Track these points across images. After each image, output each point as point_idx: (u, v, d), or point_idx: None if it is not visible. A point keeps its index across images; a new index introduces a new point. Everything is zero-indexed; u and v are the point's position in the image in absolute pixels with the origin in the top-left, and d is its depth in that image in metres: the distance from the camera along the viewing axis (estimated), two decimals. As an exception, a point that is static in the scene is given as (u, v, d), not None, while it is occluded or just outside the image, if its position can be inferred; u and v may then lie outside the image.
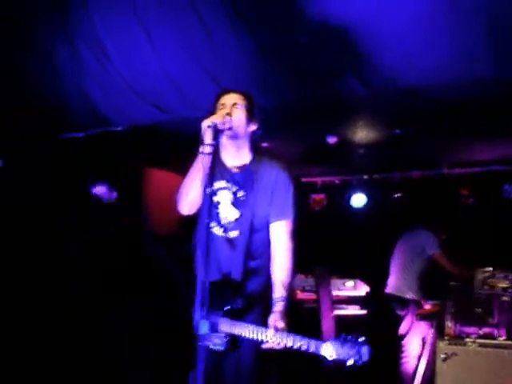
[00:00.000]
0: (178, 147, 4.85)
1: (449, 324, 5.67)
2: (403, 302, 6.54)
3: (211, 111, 3.25)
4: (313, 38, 4.13)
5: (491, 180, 7.24)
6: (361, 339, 2.75)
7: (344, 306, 7.39)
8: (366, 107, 5.30)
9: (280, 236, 3.21)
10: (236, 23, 4.16)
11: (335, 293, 7.32)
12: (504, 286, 5.33)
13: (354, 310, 7.40)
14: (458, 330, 5.61)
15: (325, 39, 4.12)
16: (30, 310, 5.63)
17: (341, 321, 7.13)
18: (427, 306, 6.45)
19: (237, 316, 3.04)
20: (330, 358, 2.73)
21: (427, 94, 4.69)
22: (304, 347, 2.73)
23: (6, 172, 5.73)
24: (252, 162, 3.29)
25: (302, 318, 6.82)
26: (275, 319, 2.97)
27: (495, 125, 5.52)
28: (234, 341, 2.99)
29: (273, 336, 2.81)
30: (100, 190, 5.98)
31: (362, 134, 6.23)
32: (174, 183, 3.47)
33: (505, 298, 5.37)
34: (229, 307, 3.04)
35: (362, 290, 7.47)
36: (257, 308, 3.19)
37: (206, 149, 2.94)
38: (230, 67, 4.45)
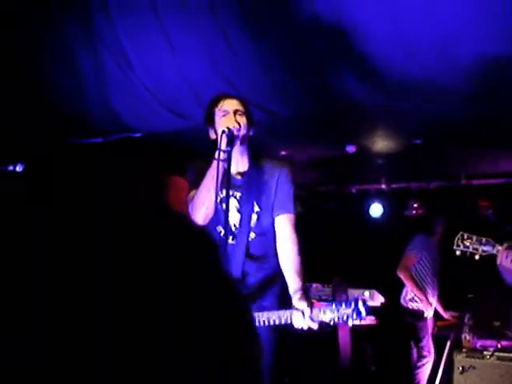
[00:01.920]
0: (197, 154, 4.86)
1: (466, 337, 5.62)
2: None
3: (207, 116, 3.26)
4: (331, 44, 4.13)
5: (511, 191, 7.18)
6: (355, 296, 2.86)
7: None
8: (385, 116, 5.29)
9: (284, 228, 3.24)
10: (255, 31, 4.17)
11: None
12: None
13: (370, 321, 7.36)
14: (475, 342, 5.57)
15: (343, 45, 4.12)
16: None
17: (357, 331, 7.09)
18: (447, 316, 6.39)
19: None
20: (330, 323, 2.91)
21: (446, 103, 4.67)
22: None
23: (26, 176, 5.77)
24: (253, 166, 3.30)
25: (317, 332, 6.80)
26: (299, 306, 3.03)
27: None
28: None
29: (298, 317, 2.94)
30: None
31: (381, 143, 6.21)
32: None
33: None
34: None
35: (379, 300, 7.42)
36: (267, 299, 3.25)
37: (222, 155, 2.97)
38: (249, 75, 4.47)
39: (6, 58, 4.69)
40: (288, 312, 2.99)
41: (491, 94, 4.38)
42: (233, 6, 4.08)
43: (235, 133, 3.04)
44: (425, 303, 6.27)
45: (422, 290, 6.33)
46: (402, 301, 6.54)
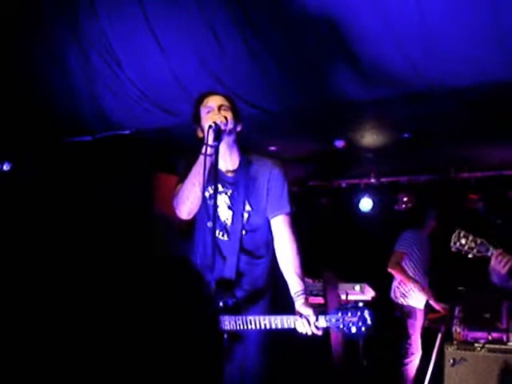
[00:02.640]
0: (187, 151, 4.85)
1: (457, 329, 5.64)
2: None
3: (193, 115, 3.25)
4: (320, 40, 4.13)
5: (500, 184, 7.21)
6: (361, 304, 2.85)
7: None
8: (374, 111, 5.30)
9: (281, 230, 3.21)
10: (244, 28, 4.17)
11: (343, 297, 7.29)
12: None
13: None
14: (466, 334, 5.59)
15: (332, 41, 4.12)
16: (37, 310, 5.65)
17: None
18: (439, 307, 6.41)
19: (233, 311, 3.07)
20: (335, 329, 2.89)
21: (435, 98, 4.69)
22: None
23: (13, 175, 5.75)
24: (243, 162, 3.27)
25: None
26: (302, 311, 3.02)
27: (504, 128, 5.50)
28: (234, 336, 3.04)
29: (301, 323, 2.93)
30: None
31: (370, 138, 6.22)
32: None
33: None
34: (221, 304, 3.05)
35: (370, 294, 7.44)
36: (262, 301, 3.23)
37: (209, 150, 2.95)
38: (238, 71, 4.46)
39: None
40: (291, 318, 2.96)
41: (480, 90, 4.40)
42: (221, 2, 4.07)
43: (222, 127, 3.02)
44: (425, 292, 6.30)
45: (408, 284, 6.36)
46: (392, 296, 6.56)
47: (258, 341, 3.10)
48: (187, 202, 3.14)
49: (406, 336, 6.32)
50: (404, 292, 6.45)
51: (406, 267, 6.43)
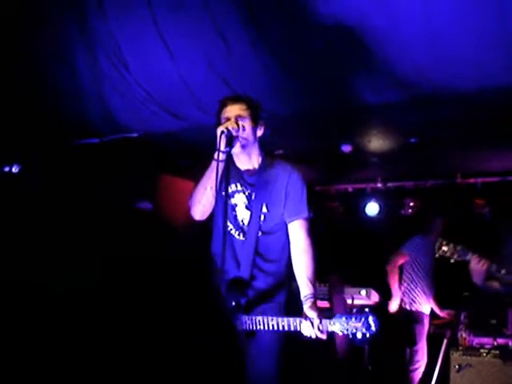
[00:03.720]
0: (195, 155, 4.88)
1: (463, 334, 5.64)
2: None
3: (216, 123, 3.25)
4: (327, 43, 4.14)
5: (507, 189, 7.19)
6: (366, 310, 2.86)
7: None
8: (381, 116, 5.30)
9: (298, 235, 3.24)
10: (252, 32, 4.18)
11: (349, 301, 7.29)
12: None
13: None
14: (472, 340, 5.58)
15: (339, 44, 4.13)
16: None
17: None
18: (442, 315, 6.40)
19: (244, 310, 3.13)
20: (339, 333, 2.91)
21: (441, 102, 4.69)
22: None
23: (22, 177, 5.77)
24: (263, 164, 3.32)
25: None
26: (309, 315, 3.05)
27: (510, 132, 5.50)
28: (245, 335, 3.10)
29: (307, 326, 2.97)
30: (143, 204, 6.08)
31: (377, 142, 6.22)
32: (186, 190, 3.52)
33: None
34: (234, 303, 3.12)
35: (375, 299, 7.44)
36: (275, 302, 3.26)
37: (220, 156, 3.02)
38: (246, 75, 4.47)
39: (2, 58, 4.70)
40: (297, 320, 3.02)
41: (486, 94, 4.40)
42: (229, 4, 4.09)
43: (234, 133, 3.07)
44: (394, 299, 6.35)
45: (413, 288, 6.37)
46: (400, 302, 6.55)
47: (273, 344, 3.15)
48: (199, 205, 3.25)
49: (413, 342, 6.31)
50: (411, 297, 6.45)
51: (411, 272, 6.43)
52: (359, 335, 2.89)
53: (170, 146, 6.03)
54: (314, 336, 2.99)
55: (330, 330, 2.95)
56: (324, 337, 3.00)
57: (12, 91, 4.99)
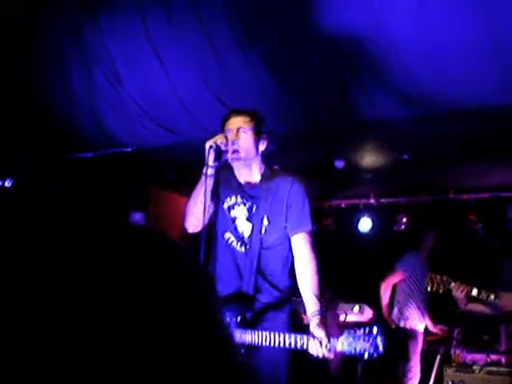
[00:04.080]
0: (187, 169, 4.88)
1: (456, 351, 5.62)
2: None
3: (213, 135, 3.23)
4: (323, 60, 4.16)
5: (498, 206, 7.21)
6: (374, 331, 2.80)
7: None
8: (374, 132, 5.32)
9: (301, 248, 3.18)
10: (245, 47, 4.20)
11: (342, 317, 7.26)
12: None
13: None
14: (465, 356, 5.56)
15: (335, 61, 4.15)
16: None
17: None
18: (436, 330, 6.39)
19: (250, 325, 3.05)
20: (347, 353, 2.85)
21: (435, 120, 4.71)
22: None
23: (15, 191, 5.75)
24: (265, 176, 3.27)
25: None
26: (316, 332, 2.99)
27: (502, 150, 5.53)
28: (249, 350, 3.00)
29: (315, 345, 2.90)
30: (138, 217, 6.05)
31: (370, 158, 6.24)
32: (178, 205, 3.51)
33: None
34: (239, 317, 3.04)
35: (368, 315, 7.41)
36: (281, 316, 3.19)
37: (209, 170, 2.99)
38: (239, 91, 4.49)
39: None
40: (305, 338, 2.93)
41: (479, 113, 4.43)
42: (222, 20, 4.10)
43: (222, 148, 3.02)
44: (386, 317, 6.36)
45: (407, 305, 6.36)
46: (393, 317, 6.54)
47: (279, 360, 3.08)
48: (192, 217, 3.19)
49: (406, 359, 6.28)
50: (407, 314, 6.43)
51: (404, 288, 6.43)
52: (366, 356, 2.84)
53: (163, 160, 6.02)
54: (321, 355, 2.91)
55: (337, 349, 2.89)
56: (331, 356, 2.95)
57: (5, 104, 4.98)
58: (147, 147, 5.42)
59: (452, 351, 5.71)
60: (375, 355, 2.84)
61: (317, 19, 3.93)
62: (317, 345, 2.89)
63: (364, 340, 2.84)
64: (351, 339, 2.85)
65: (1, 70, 4.71)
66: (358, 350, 2.84)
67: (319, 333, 2.94)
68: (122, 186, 6.43)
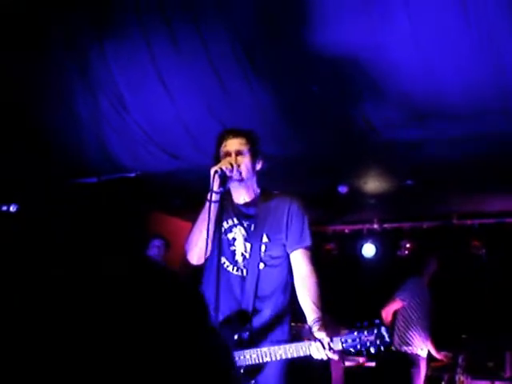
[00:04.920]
0: (191, 195, 4.90)
1: (460, 377, 5.58)
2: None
3: (214, 156, 3.22)
4: (323, 86, 4.19)
5: (503, 231, 7.20)
6: (377, 321, 2.73)
7: (353, 357, 7.29)
8: (377, 157, 5.34)
9: (300, 263, 3.16)
10: (249, 76, 4.24)
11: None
12: None
13: (362, 361, 7.30)
14: (469, 383, 5.52)
15: (336, 87, 4.18)
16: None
17: (350, 372, 7.03)
18: (439, 357, 6.34)
19: (248, 344, 2.99)
20: (352, 350, 2.77)
21: (438, 147, 4.73)
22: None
23: (20, 216, 5.76)
24: (262, 196, 3.26)
25: (311, 369, 6.74)
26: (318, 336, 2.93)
27: (506, 176, 5.53)
28: (250, 371, 2.95)
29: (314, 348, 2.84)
30: (157, 243, 6.02)
31: (373, 184, 6.25)
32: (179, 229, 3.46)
33: None
34: (237, 337, 2.99)
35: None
36: (279, 335, 3.14)
37: (214, 196, 2.96)
38: (242, 116, 4.51)
39: (3, 97, 4.74)
40: (306, 344, 2.86)
41: (483, 140, 4.45)
42: (225, 45, 4.15)
43: (228, 174, 3.00)
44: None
45: (407, 331, 6.33)
46: (395, 343, 6.50)
47: (279, 375, 3.03)
48: (196, 249, 3.15)
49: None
50: (407, 339, 6.39)
51: (405, 315, 6.40)
52: (372, 350, 2.76)
53: (167, 186, 6.05)
54: (325, 357, 2.84)
55: (341, 347, 2.80)
56: (336, 357, 2.87)
57: (10, 130, 5.02)
58: (151, 172, 5.44)
59: (457, 378, 5.67)
60: (382, 347, 2.75)
61: (319, 46, 3.97)
62: (319, 347, 2.83)
63: (368, 333, 2.76)
64: (355, 334, 2.77)
65: (6, 95, 4.75)
66: (363, 344, 2.76)
67: (320, 334, 2.89)
68: (126, 211, 6.45)
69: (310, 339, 2.98)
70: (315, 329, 2.97)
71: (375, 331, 2.76)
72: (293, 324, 3.36)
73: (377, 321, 2.79)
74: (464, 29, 3.61)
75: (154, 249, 5.89)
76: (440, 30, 3.69)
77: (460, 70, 3.84)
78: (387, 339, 2.74)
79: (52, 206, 5.89)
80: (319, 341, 2.84)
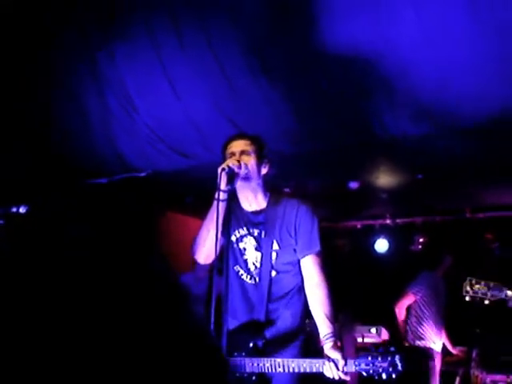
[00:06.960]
0: (201, 193, 4.91)
1: (475, 372, 5.56)
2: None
3: (222, 161, 3.17)
4: (334, 82, 4.17)
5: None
6: (392, 350, 2.73)
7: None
8: (388, 153, 5.32)
9: (311, 270, 3.13)
10: (257, 72, 4.23)
11: (359, 340, 7.19)
12: None
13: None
14: (485, 378, 5.50)
15: (346, 82, 4.17)
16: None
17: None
18: (455, 352, 6.32)
19: (262, 352, 2.99)
20: (364, 374, 2.76)
21: (449, 138, 4.70)
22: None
23: (29, 218, 5.79)
24: (270, 202, 3.23)
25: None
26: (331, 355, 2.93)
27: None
28: (263, 378, 2.96)
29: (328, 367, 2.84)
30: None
31: (385, 179, 6.23)
32: (192, 227, 3.45)
33: None
34: (252, 345, 3.00)
35: (385, 336, 7.34)
36: (294, 343, 3.15)
37: (221, 195, 2.93)
38: (251, 113, 4.51)
39: (13, 98, 4.76)
40: (320, 361, 2.86)
41: (492, 130, 4.42)
42: (231, 43, 4.14)
43: (235, 170, 2.98)
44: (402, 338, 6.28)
45: (420, 325, 6.31)
46: (409, 338, 6.48)
47: (289, 377, 3.01)
48: (203, 249, 3.14)
49: (425, 380, 6.22)
50: (419, 334, 6.37)
51: (417, 310, 6.38)
52: (384, 376, 2.76)
53: (177, 184, 6.05)
54: (337, 377, 2.84)
55: (354, 370, 2.82)
56: (347, 378, 2.88)
57: (23, 132, 5.05)
58: (161, 171, 5.45)
59: (471, 372, 5.65)
60: (394, 375, 2.75)
61: (328, 42, 3.96)
62: (332, 367, 2.83)
63: (382, 360, 2.76)
64: (369, 359, 2.77)
65: (17, 98, 4.78)
66: (375, 370, 2.76)
67: (334, 354, 2.89)
68: (136, 210, 6.45)
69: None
70: (328, 346, 2.96)
71: (389, 358, 2.77)
72: (307, 321, 3.35)
73: (392, 348, 2.79)
74: (472, 25, 3.59)
75: None
76: (449, 26, 3.67)
77: (469, 65, 3.81)
78: (400, 368, 2.76)
79: (63, 207, 5.91)
80: (333, 361, 2.85)
